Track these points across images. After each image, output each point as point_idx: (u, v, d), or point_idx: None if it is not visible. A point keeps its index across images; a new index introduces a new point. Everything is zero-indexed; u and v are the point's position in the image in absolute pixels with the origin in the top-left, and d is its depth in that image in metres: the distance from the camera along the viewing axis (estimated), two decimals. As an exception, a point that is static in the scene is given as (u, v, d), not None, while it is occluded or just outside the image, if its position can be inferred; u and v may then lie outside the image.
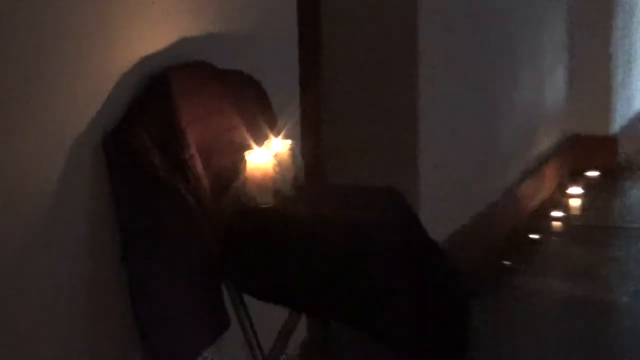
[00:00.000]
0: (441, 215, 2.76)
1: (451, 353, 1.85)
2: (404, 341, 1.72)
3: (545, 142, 4.08)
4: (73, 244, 1.49)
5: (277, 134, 1.71)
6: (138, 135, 1.55)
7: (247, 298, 1.72)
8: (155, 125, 1.58)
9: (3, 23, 1.28)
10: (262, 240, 1.67)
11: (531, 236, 3.62)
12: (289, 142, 1.71)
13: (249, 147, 1.63)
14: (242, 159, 1.61)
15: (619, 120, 4.38)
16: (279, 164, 1.65)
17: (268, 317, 1.77)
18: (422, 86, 2.86)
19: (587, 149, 4.27)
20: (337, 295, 1.66)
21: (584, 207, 3.98)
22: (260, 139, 1.67)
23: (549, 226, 3.79)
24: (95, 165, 1.50)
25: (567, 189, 4.08)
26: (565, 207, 3.93)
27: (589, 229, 3.81)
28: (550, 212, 3.88)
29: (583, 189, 4.07)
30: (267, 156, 1.62)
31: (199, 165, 1.59)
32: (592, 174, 4.21)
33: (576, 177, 4.15)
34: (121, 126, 1.52)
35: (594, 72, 4.23)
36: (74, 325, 1.50)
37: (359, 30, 2.84)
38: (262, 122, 1.74)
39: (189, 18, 1.77)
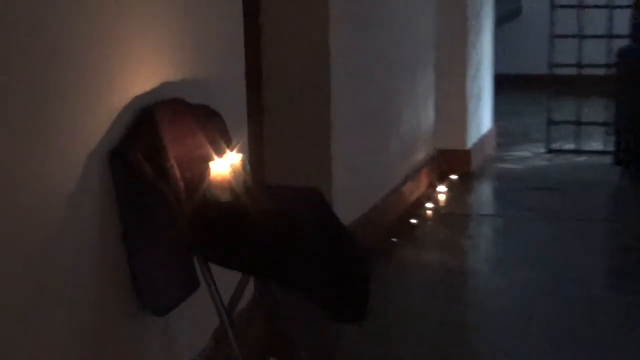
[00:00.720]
0: (348, 206, 2.97)
1: (357, 303, 1.94)
2: (324, 295, 1.86)
3: (421, 153, 4.26)
4: (88, 230, 1.55)
5: (231, 150, 1.75)
6: (133, 152, 1.60)
7: (212, 266, 1.72)
8: (145, 144, 1.63)
9: (38, 70, 1.33)
10: (222, 225, 1.73)
11: (411, 221, 3.78)
12: (240, 155, 1.77)
13: (212, 159, 1.70)
14: (207, 168, 1.68)
15: (472, 139, 4.69)
16: (234, 171, 1.71)
17: (226, 280, 1.81)
18: (333, 111, 3.01)
19: (449, 159, 4.53)
20: (275, 262, 1.74)
21: (448, 201, 4.13)
22: (220, 153, 1.72)
23: (424, 214, 3.92)
24: (103, 174, 1.58)
25: (436, 187, 4.24)
26: (435, 200, 4.09)
27: (452, 215, 3.99)
28: (425, 203, 4.01)
29: (447, 187, 4.27)
30: (225, 165, 1.70)
31: (177, 173, 1.65)
32: (454, 177, 4.40)
33: (442, 179, 4.30)
34: (121, 146, 1.60)
35: (454, 104, 4.52)
36: (90, 290, 1.56)
37: (284, 63, 2.90)
38: (221, 142, 1.80)
39: (168, 68, 1.83)
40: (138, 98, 1.66)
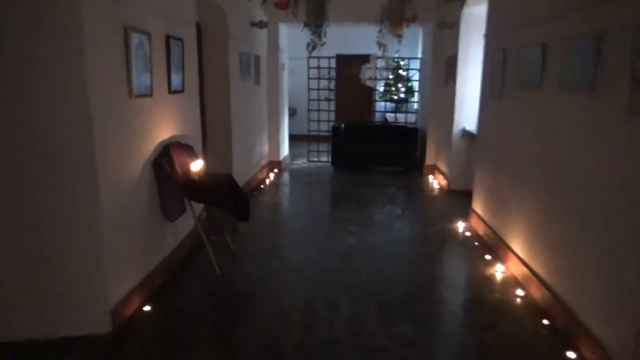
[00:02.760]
0: (240, 179, 5.17)
1: (246, 212, 3.99)
2: (234, 209, 3.87)
3: (264, 160, 7.49)
4: (147, 187, 3.36)
5: (197, 159, 3.81)
6: (161, 161, 3.53)
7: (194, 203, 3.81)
8: (166, 159, 3.57)
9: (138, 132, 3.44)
10: (195, 187, 3.72)
11: (261, 186, 6.83)
12: (201, 161, 3.83)
13: (191, 163, 3.76)
14: (189, 167, 3.74)
15: (281, 156, 8.19)
16: (199, 167, 3.76)
17: (197, 207, 3.88)
18: (233, 142, 5.49)
19: (273, 164, 7.92)
20: (216, 199, 3.83)
21: (273, 179, 7.39)
22: (193, 161, 3.78)
23: (266, 184, 7.01)
24: (151, 169, 3.43)
25: (269, 174, 7.51)
26: (269, 179, 7.33)
27: (275, 184, 7.20)
28: (265, 180, 7.17)
29: (273, 175, 7.54)
30: (196, 166, 3.75)
31: (177, 169, 3.63)
32: (275, 171, 7.91)
33: (271, 171, 7.81)
34: (156, 159, 3.50)
35: (274, 140, 7.87)
36: (147, 210, 3.39)
37: (213, 126, 5.54)
38: (194, 157, 3.87)
39: (173, 131, 3.77)
40: (162, 141, 3.62)
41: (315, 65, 8.38)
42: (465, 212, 5.37)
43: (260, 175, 7.07)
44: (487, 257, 4.22)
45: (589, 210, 2.74)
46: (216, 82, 5.32)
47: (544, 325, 3.05)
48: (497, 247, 4.25)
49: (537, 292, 3.38)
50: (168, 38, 3.64)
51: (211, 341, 2.86)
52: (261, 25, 6.45)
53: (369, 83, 8.52)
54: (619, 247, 2.43)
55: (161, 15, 3.53)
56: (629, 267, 2.31)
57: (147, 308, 3.19)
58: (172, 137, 3.83)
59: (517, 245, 3.84)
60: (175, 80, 3.83)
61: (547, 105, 3.32)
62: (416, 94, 9.83)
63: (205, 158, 4.42)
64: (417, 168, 8.17)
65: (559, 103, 3.14)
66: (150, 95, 3.35)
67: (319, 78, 8.61)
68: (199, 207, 4.24)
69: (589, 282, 2.73)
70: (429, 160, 7.96)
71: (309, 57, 6.89)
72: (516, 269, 3.79)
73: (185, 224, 4.14)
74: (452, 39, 6.48)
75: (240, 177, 5.63)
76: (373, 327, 3.03)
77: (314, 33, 5.56)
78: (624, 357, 2.29)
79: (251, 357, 2.71)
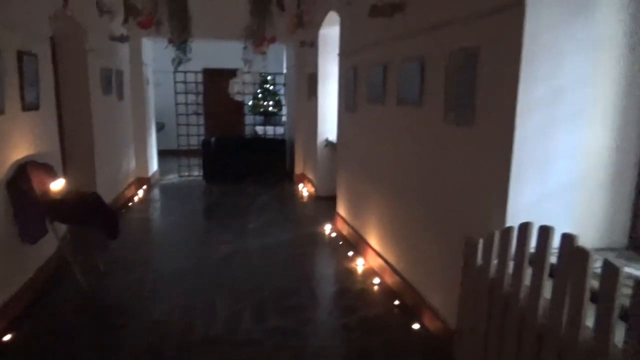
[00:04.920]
0: (106, 197, 5.06)
1: (114, 230, 3.92)
2: (103, 229, 3.87)
3: (132, 177, 7.34)
4: (3, 209, 3.44)
5: (58, 178, 3.76)
6: (18, 182, 3.38)
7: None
8: (22, 179, 3.42)
9: None
10: (57, 206, 3.63)
11: (129, 204, 6.69)
12: (62, 180, 3.75)
13: (51, 182, 3.69)
14: (49, 185, 3.69)
15: (150, 172, 8.68)
16: (60, 186, 3.73)
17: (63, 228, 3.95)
18: (96, 162, 5.34)
19: (142, 181, 7.81)
20: (81, 218, 3.78)
21: (143, 195, 7.38)
22: (54, 180, 3.70)
23: (134, 201, 6.98)
24: (3, 192, 3.51)
25: (138, 191, 7.43)
26: (138, 196, 7.37)
27: (146, 200, 7.09)
28: (134, 197, 7.26)
29: (143, 191, 7.49)
30: (57, 184, 3.67)
31: (36, 189, 3.49)
32: (145, 187, 7.64)
33: (140, 187, 7.81)
34: (11, 179, 3.35)
35: (142, 158, 8.12)
36: (5, 231, 3.41)
37: (72, 147, 5.32)
38: (54, 177, 3.78)
39: (32, 150, 3.68)
40: (17, 161, 3.46)
41: (182, 79, 8.37)
42: (331, 215, 5.84)
43: (128, 193, 6.86)
44: (350, 253, 4.68)
45: (423, 203, 3.28)
46: (76, 97, 5.13)
47: (396, 306, 3.53)
48: (358, 244, 4.74)
49: (390, 279, 3.88)
50: (20, 54, 3.50)
51: (88, 354, 2.83)
52: (122, 39, 6.32)
53: (237, 97, 8.72)
54: (445, 233, 2.96)
55: (11, 29, 3.39)
56: (453, 250, 2.83)
57: (9, 336, 3.02)
58: (28, 156, 3.68)
59: (374, 240, 4.34)
60: (30, 96, 3.68)
61: (389, 117, 3.86)
62: (284, 107, 10.26)
63: (66, 177, 4.27)
64: (287, 177, 8.57)
65: (397, 114, 3.68)
66: (2, 113, 3.21)
67: (186, 92, 8.60)
68: (64, 227, 4.08)
69: (428, 265, 3.26)
70: (298, 169, 8.39)
71: (175, 72, 6.90)
72: (374, 261, 4.28)
73: (50, 245, 3.97)
74: (312, 56, 6.99)
75: (106, 195, 5.43)
76: (249, 324, 3.24)
77: (178, 49, 5.63)
78: (453, 319, 2.80)
79: (129, 367, 2.75)
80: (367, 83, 4.34)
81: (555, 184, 2.28)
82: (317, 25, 6.51)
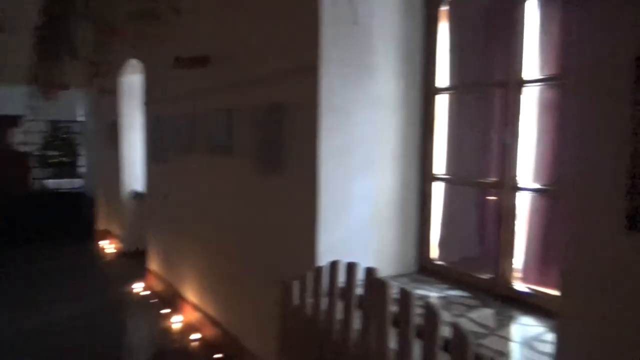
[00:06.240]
0: None
1: None
2: None
3: None
4: None
5: None
6: None
7: None
8: None
9: None
10: None
11: None
12: None
13: None
14: None
15: None
16: None
17: None
18: None
19: None
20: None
21: None
22: None
23: None
24: None
25: None
26: None
27: None
28: None
29: None
30: None
31: None
32: None
33: None
34: None
35: None
36: None
37: None
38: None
39: None
40: None
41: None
42: (141, 272, 5.44)
43: None
44: (166, 310, 4.41)
45: (241, 251, 3.32)
46: None
47: (217, 359, 3.42)
48: (174, 300, 4.50)
49: (210, 331, 3.77)
50: None
51: None
52: None
53: (21, 148, 7.66)
54: (264, 279, 3.03)
55: None
56: (273, 294, 2.90)
57: None
58: None
59: (192, 294, 4.18)
60: None
61: (202, 167, 3.85)
62: (81, 158, 9.36)
63: None
64: (88, 234, 7.73)
65: (210, 165, 3.70)
66: None
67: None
68: None
69: (249, 313, 3.27)
70: (100, 224, 7.66)
71: None
72: (192, 316, 4.11)
73: None
74: (113, 104, 6.59)
75: None
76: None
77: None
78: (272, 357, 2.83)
79: None
80: (177, 133, 4.28)
81: (355, 222, 2.55)
82: (117, 72, 6.21)
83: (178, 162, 4.33)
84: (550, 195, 2.17)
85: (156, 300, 4.73)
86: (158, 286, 4.96)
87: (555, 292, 2.05)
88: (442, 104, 2.66)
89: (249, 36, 3.07)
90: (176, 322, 4.14)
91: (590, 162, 1.34)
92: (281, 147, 2.73)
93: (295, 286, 2.43)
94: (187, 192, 4.19)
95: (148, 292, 4.97)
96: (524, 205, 2.25)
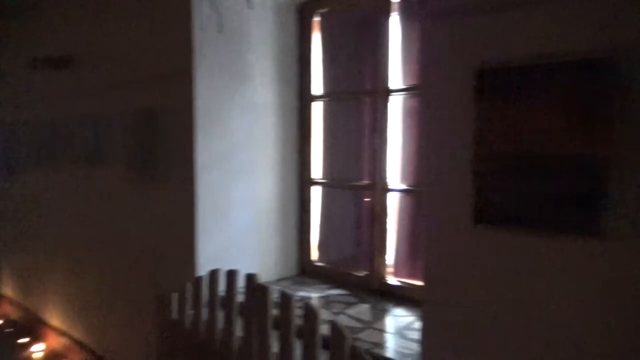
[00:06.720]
0: None
1: None
2: None
3: None
4: None
5: None
6: None
7: None
8: None
9: None
10: None
11: None
12: None
13: None
14: None
15: None
16: None
17: None
18: None
19: None
20: None
21: None
22: None
23: None
24: None
25: None
26: None
27: None
28: None
29: None
30: None
31: None
32: None
33: None
34: None
35: None
36: None
37: None
38: None
39: None
40: None
41: None
42: (-7, 299, 4.80)
43: None
44: (25, 340, 3.95)
45: (113, 267, 3.09)
46: None
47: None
48: (35, 327, 4.05)
49: (78, 357, 3.46)
50: None
51: None
52: None
53: None
54: (141, 294, 2.86)
55: None
56: (151, 311, 2.75)
57: None
58: None
59: (56, 318, 3.80)
60: None
61: (64, 177, 3.52)
62: None
63: None
64: None
65: (75, 177, 3.41)
66: None
67: None
68: None
69: (124, 332, 3.05)
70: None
71: None
72: (57, 342, 3.73)
73: None
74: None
75: None
76: None
77: None
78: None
79: None
80: (32, 143, 3.87)
81: (236, 229, 2.53)
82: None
83: (34, 176, 3.92)
84: (415, 195, 2.37)
85: (12, 329, 4.21)
86: (14, 313, 4.43)
87: (421, 283, 2.23)
88: (317, 111, 2.76)
89: (117, 37, 2.90)
90: (37, 351, 3.74)
91: (441, 165, 1.50)
92: (156, 155, 2.61)
93: (174, 299, 2.34)
94: (48, 208, 3.81)
95: (1, 321, 4.40)
96: (394, 205, 2.43)
